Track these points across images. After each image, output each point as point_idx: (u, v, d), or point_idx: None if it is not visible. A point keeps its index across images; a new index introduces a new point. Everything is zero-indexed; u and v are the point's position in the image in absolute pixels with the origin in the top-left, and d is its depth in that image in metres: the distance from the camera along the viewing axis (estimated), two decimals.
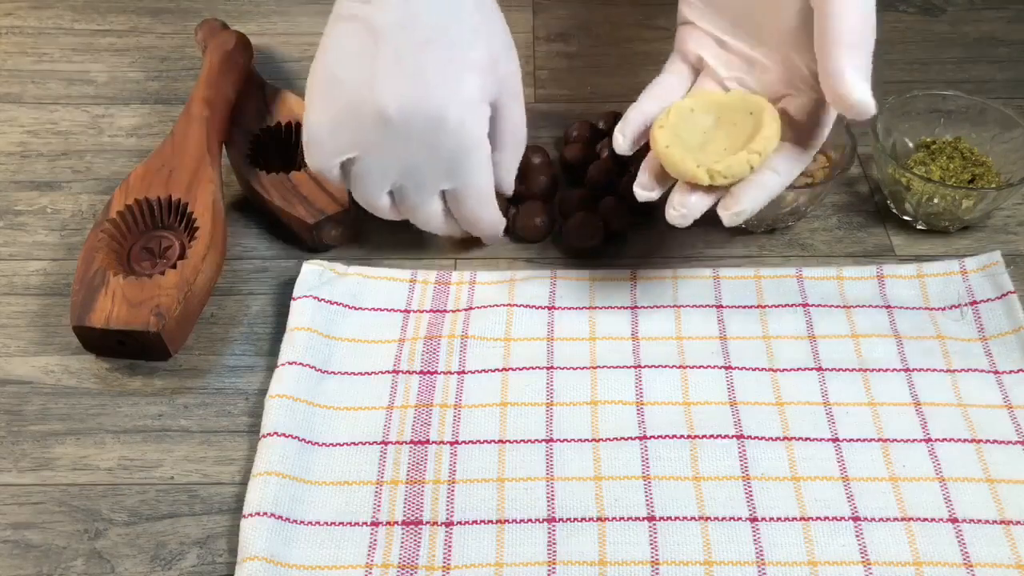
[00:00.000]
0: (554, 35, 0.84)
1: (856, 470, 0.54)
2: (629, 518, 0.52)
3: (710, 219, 0.57)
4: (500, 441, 0.55)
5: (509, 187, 0.64)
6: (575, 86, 0.79)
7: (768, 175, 0.55)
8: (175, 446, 0.56)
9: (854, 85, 0.52)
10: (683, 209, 0.55)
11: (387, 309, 0.62)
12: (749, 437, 0.55)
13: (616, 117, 0.64)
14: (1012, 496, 0.52)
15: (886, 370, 0.58)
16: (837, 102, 0.53)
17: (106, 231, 0.62)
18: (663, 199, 0.57)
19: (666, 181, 0.57)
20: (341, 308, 0.61)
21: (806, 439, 0.55)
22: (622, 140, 0.59)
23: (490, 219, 0.63)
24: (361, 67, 0.57)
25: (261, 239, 0.67)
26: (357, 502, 0.53)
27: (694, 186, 0.55)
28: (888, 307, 0.61)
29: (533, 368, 0.58)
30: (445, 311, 0.62)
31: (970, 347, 0.59)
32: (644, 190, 0.57)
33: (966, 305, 0.61)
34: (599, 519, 0.52)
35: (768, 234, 0.67)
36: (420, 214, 0.62)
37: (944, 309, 0.61)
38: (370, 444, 0.55)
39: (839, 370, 0.58)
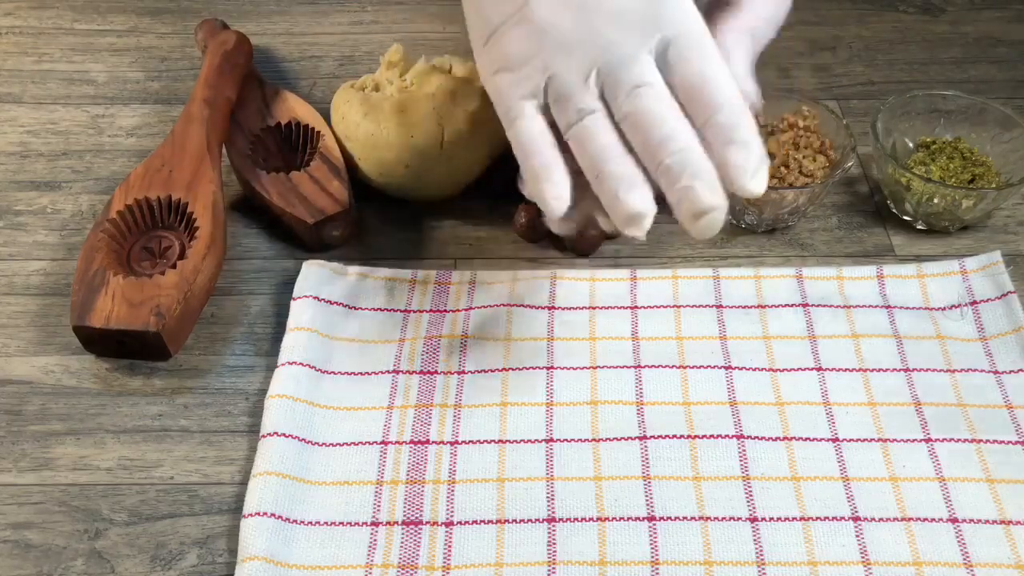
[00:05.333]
0: None
1: (856, 470, 0.54)
2: (629, 518, 0.52)
3: None
4: (500, 441, 0.55)
5: (745, 84, 0.51)
6: None
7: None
8: (175, 446, 0.56)
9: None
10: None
11: (387, 309, 0.62)
12: (749, 437, 0.55)
13: None
14: (1012, 496, 0.52)
15: (886, 370, 0.58)
16: None
17: (106, 231, 0.62)
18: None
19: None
20: (341, 308, 0.61)
21: (806, 439, 0.55)
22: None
23: (725, 80, 0.47)
24: None
25: (261, 239, 0.67)
26: (357, 502, 0.53)
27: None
28: (888, 307, 0.61)
29: (533, 368, 0.58)
30: (445, 311, 0.62)
31: (970, 347, 0.59)
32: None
33: (966, 305, 0.61)
34: (599, 519, 0.52)
35: (768, 234, 0.67)
36: (638, 102, 0.47)
37: (944, 309, 0.61)
38: (370, 444, 0.55)
39: (839, 370, 0.58)
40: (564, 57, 0.48)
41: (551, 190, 0.48)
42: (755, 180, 0.46)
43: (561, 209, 0.48)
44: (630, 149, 0.48)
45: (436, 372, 0.58)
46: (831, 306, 0.61)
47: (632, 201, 0.46)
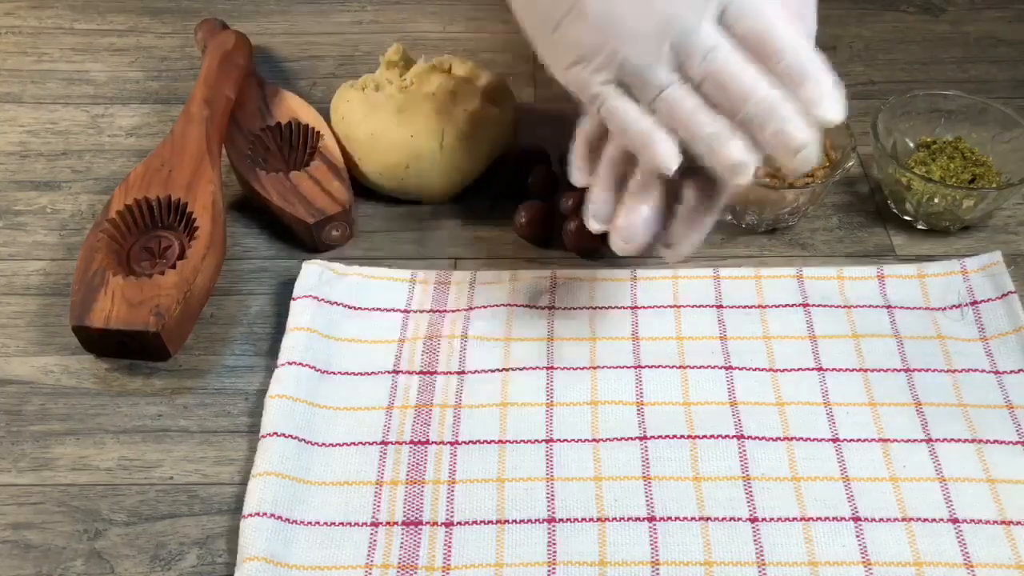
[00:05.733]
0: None
1: (856, 470, 0.54)
2: (629, 518, 0.52)
3: None
4: (500, 441, 0.55)
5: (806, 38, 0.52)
6: None
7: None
8: (175, 446, 0.56)
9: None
10: (626, 237, 0.54)
11: (387, 309, 0.62)
12: (749, 437, 0.55)
13: None
14: (1012, 496, 0.52)
15: (886, 370, 0.58)
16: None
17: (106, 231, 0.62)
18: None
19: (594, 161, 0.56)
20: (341, 308, 0.61)
21: (806, 439, 0.55)
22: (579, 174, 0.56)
23: (782, 27, 0.49)
24: None
25: (261, 239, 0.67)
26: (357, 502, 0.53)
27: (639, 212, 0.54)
28: (888, 307, 0.61)
29: (533, 368, 0.58)
30: (445, 311, 0.62)
31: (970, 347, 0.59)
32: (597, 221, 0.55)
33: (967, 305, 0.61)
34: (599, 519, 0.52)
35: (768, 234, 0.67)
36: (712, 65, 0.49)
37: (945, 309, 0.61)
38: (370, 444, 0.55)
39: (839, 370, 0.58)
40: (630, 42, 0.49)
41: (661, 148, 0.50)
42: (835, 107, 0.49)
43: (675, 163, 0.50)
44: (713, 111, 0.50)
45: (436, 372, 0.58)
46: (831, 306, 0.61)
47: (732, 152, 0.49)
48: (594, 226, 0.55)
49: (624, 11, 0.49)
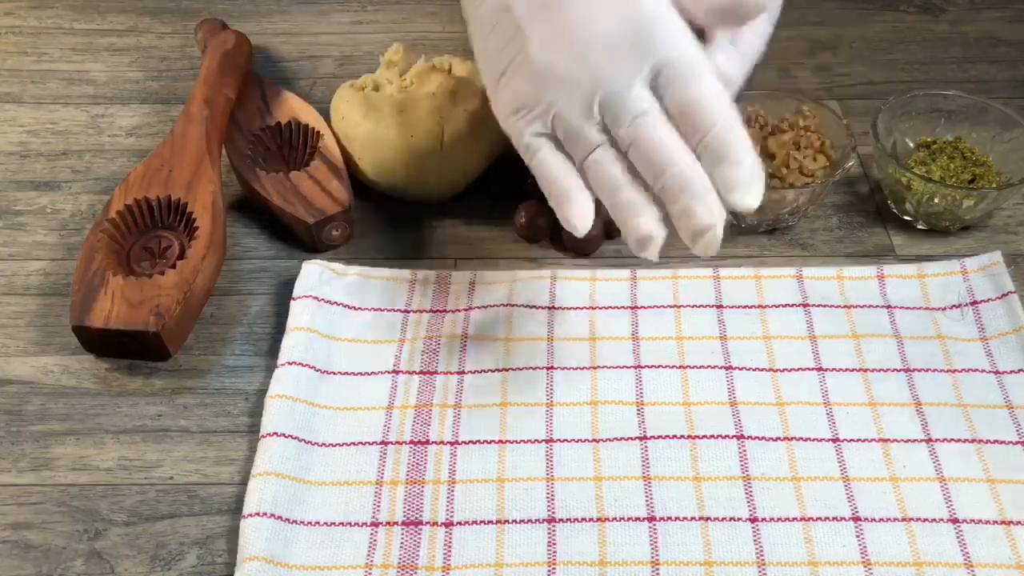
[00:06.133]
0: None
1: (856, 470, 0.54)
2: (629, 518, 0.52)
3: None
4: (500, 441, 0.55)
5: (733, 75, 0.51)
6: None
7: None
8: (175, 446, 0.56)
9: None
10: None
11: (387, 309, 0.62)
12: (749, 437, 0.55)
13: None
14: (1012, 496, 0.52)
15: (886, 370, 0.58)
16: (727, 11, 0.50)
17: (106, 231, 0.62)
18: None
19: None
20: (341, 308, 0.61)
21: (806, 439, 0.55)
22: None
23: (715, 100, 0.49)
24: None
25: (261, 239, 0.67)
26: (357, 502, 0.53)
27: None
28: (888, 307, 0.61)
29: (533, 368, 0.58)
30: (445, 311, 0.62)
31: (970, 347, 0.59)
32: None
33: (967, 305, 0.61)
34: (599, 519, 0.52)
35: (768, 234, 0.67)
36: (638, 131, 0.49)
37: (945, 309, 0.61)
38: (370, 444, 0.55)
39: (839, 370, 0.58)
40: (565, 95, 0.49)
41: (574, 211, 0.50)
42: (749, 196, 0.48)
43: (586, 228, 0.50)
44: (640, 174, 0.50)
45: (436, 372, 0.58)
46: (831, 306, 0.61)
47: (639, 225, 0.49)
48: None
49: (562, 64, 0.49)
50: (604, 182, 0.50)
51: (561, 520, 0.52)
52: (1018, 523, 0.51)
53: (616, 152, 0.50)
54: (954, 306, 0.61)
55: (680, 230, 0.48)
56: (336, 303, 0.61)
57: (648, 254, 0.49)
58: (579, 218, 0.50)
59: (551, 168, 0.51)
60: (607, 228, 0.65)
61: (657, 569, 0.50)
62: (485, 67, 0.53)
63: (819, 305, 0.61)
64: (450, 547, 0.51)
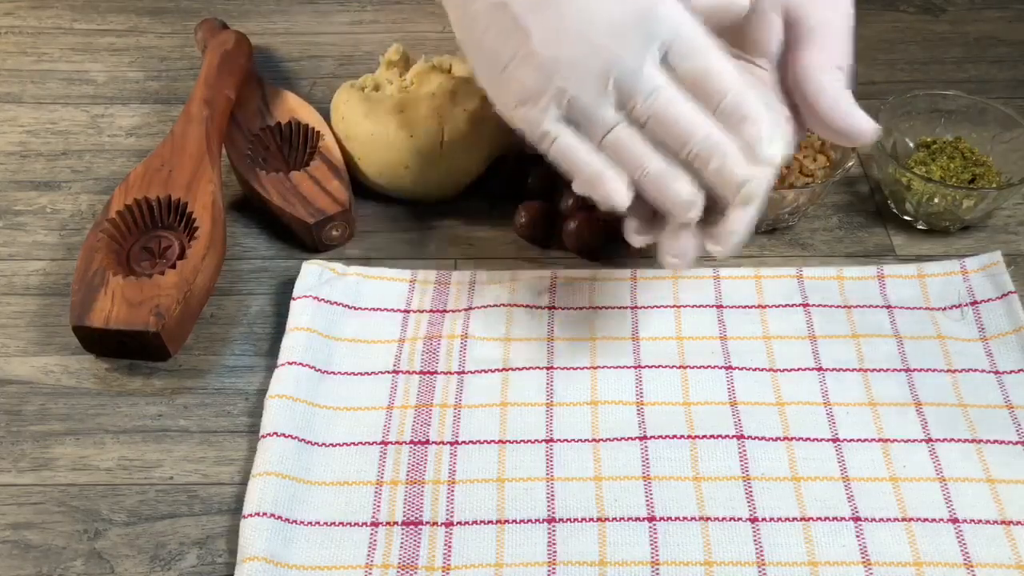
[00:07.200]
0: None
1: (856, 470, 0.54)
2: (629, 518, 0.52)
3: None
4: (500, 441, 0.55)
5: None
6: None
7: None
8: (175, 446, 0.56)
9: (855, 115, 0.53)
10: (676, 258, 0.53)
11: (387, 309, 0.62)
12: (749, 437, 0.55)
13: None
14: (1012, 496, 0.52)
15: (886, 370, 0.58)
16: (842, 135, 0.53)
17: (106, 231, 0.62)
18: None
19: (658, 224, 0.54)
20: (341, 308, 0.61)
21: (806, 439, 0.55)
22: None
23: (723, 67, 0.50)
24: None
25: (261, 239, 0.67)
26: (357, 502, 0.53)
27: (683, 227, 0.53)
28: (888, 307, 0.61)
29: (533, 368, 0.58)
30: (445, 311, 0.62)
31: (970, 347, 0.59)
32: (638, 235, 0.55)
33: (967, 305, 0.61)
34: (599, 519, 0.52)
35: (768, 234, 0.67)
36: (654, 106, 0.50)
37: (945, 309, 0.61)
38: (370, 444, 0.55)
39: (839, 370, 0.58)
40: (577, 79, 0.50)
41: (612, 187, 0.51)
42: (771, 148, 0.50)
43: (625, 202, 0.51)
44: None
45: (436, 372, 0.58)
46: (831, 306, 0.61)
47: (680, 189, 0.50)
48: (636, 241, 0.55)
49: (570, 52, 0.50)
50: (631, 158, 0.51)
51: (561, 520, 0.52)
52: (1018, 523, 0.51)
53: (635, 128, 0.51)
54: (954, 306, 0.61)
55: (720, 187, 0.50)
56: (336, 303, 0.61)
57: (692, 215, 0.51)
58: (618, 193, 0.51)
59: (575, 152, 0.51)
60: (607, 227, 0.65)
61: (657, 569, 0.50)
62: (481, 61, 0.54)
63: (819, 305, 0.61)
64: (450, 547, 0.51)
